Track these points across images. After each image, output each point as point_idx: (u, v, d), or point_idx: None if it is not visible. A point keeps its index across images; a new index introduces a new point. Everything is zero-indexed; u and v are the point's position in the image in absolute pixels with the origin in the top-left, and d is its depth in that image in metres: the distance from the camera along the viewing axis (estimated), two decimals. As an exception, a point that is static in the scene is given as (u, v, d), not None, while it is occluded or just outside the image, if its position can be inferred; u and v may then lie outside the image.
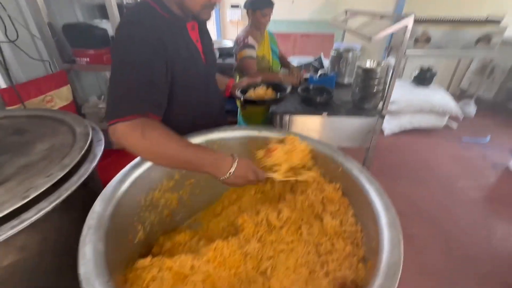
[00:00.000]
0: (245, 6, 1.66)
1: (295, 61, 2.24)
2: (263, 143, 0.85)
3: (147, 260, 0.58)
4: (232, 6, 3.68)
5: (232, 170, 0.62)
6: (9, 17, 1.17)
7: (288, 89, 1.01)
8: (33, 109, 0.91)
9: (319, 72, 1.77)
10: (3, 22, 1.16)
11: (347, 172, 0.68)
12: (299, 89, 1.48)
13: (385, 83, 1.29)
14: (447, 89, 3.29)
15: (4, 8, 1.16)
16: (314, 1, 3.59)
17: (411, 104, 2.70)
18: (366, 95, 1.31)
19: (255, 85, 1.05)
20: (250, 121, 2.02)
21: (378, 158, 2.36)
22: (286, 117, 1.39)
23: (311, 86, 1.55)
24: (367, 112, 1.36)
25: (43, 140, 0.74)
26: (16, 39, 1.20)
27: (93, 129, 0.81)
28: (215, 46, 2.86)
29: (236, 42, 1.68)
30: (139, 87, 0.60)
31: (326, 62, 2.13)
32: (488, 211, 1.86)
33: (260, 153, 0.70)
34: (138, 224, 0.68)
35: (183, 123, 0.81)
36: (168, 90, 0.70)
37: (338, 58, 1.74)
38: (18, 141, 0.73)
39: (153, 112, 0.61)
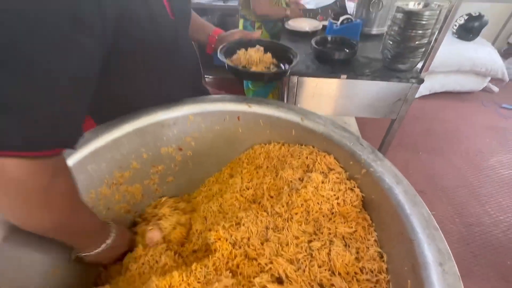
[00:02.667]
0: None
1: (311, 4, 1.80)
2: (254, 121, 0.61)
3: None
4: None
5: (108, 242, 0.49)
6: None
7: (295, 61, 0.66)
8: None
9: (341, 18, 1.39)
10: None
11: (374, 178, 0.44)
12: (313, 41, 1.15)
13: (432, 33, 0.94)
14: (493, 43, 2.74)
15: None
16: None
17: (448, 62, 2.26)
18: (404, 51, 0.98)
19: (249, 44, 0.70)
20: (256, 81, 1.73)
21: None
22: (294, 79, 1.10)
23: (329, 38, 1.20)
24: (401, 74, 1.04)
25: None
26: None
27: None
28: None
29: None
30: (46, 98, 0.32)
31: (351, 6, 1.70)
32: (522, 194, 1.62)
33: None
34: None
35: (138, 102, 0.57)
36: (99, 73, 0.40)
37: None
38: None
39: (72, 144, 0.37)
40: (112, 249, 0.50)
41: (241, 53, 0.68)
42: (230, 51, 0.69)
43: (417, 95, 2.41)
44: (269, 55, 0.70)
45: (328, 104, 1.19)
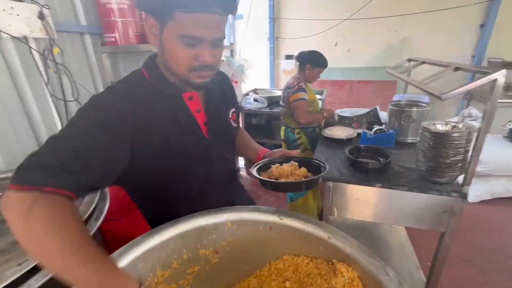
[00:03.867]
0: (303, 60, 1.84)
1: (347, 113, 2.02)
2: (285, 232, 0.66)
3: None
4: (287, 57, 3.80)
5: None
6: (74, 81, 1.39)
7: (324, 171, 0.75)
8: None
9: (375, 128, 1.52)
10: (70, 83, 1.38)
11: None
12: (346, 150, 1.26)
13: (466, 150, 0.97)
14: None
15: (67, 70, 1.35)
16: (372, 49, 3.42)
17: (506, 166, 2.10)
18: (439, 165, 1.00)
19: (285, 161, 0.84)
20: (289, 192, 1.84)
21: (458, 237, 1.81)
22: (329, 184, 1.17)
23: (362, 146, 1.30)
24: (440, 187, 1.03)
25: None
26: (78, 98, 1.38)
27: (103, 197, 0.76)
28: (266, 95, 2.89)
29: (289, 86, 1.85)
30: (66, 152, 0.48)
31: (384, 115, 1.86)
32: None
33: None
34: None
35: (171, 210, 0.70)
36: (114, 166, 0.57)
37: (399, 113, 1.48)
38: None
39: (68, 188, 0.47)
40: None
41: (274, 167, 0.80)
42: (266, 168, 0.82)
43: (476, 200, 2.21)
44: (303, 169, 0.81)
45: (366, 209, 1.18)
